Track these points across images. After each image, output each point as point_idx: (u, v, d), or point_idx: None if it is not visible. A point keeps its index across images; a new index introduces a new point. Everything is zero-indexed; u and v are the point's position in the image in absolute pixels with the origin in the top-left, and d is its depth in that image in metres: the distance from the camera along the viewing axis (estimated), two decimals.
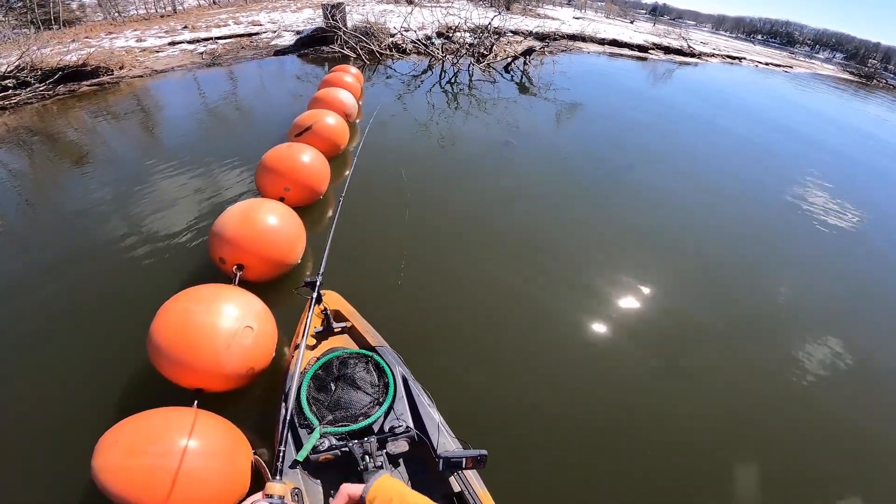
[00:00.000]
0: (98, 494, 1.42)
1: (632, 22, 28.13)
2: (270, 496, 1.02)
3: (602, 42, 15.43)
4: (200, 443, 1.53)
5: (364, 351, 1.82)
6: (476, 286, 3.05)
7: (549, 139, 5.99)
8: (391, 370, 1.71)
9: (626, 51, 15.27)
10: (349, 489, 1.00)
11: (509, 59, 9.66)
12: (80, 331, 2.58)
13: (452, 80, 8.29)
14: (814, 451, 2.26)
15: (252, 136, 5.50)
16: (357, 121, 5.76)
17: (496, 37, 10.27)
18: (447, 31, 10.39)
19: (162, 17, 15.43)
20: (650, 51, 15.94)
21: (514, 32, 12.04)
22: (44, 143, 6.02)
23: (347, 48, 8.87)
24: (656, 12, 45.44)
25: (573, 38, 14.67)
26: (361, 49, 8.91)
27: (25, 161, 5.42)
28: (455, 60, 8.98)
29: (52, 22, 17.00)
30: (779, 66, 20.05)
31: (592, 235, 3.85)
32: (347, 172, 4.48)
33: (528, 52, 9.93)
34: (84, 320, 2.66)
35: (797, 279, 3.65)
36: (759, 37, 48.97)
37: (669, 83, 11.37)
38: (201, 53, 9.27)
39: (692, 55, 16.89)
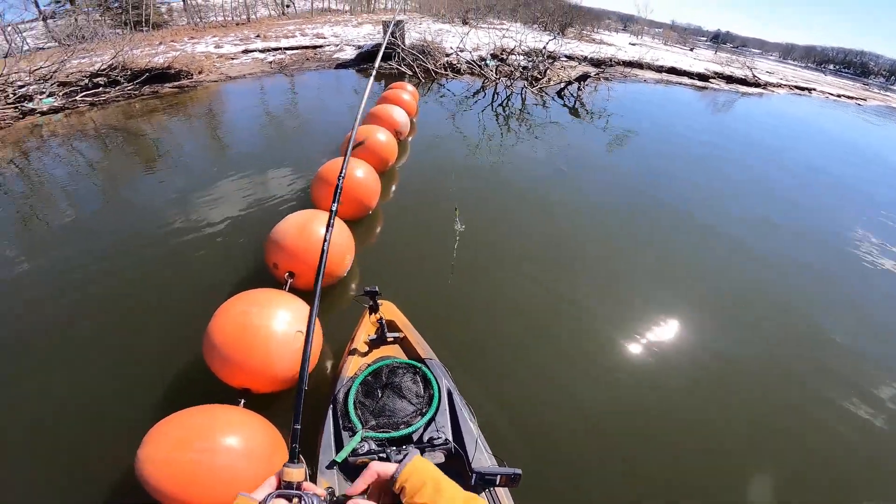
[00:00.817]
0: (130, 483, 1.51)
1: (691, 49, 27.33)
2: (289, 484, 0.86)
3: (659, 69, 15.08)
4: (242, 442, 1.60)
5: (414, 362, 1.84)
6: (520, 304, 3.07)
7: (600, 166, 5.92)
8: (437, 383, 1.74)
9: (684, 79, 14.83)
10: (379, 467, 0.89)
11: (563, 85, 9.64)
12: (133, 323, 2.77)
13: (505, 103, 8.38)
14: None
15: (309, 145, 5.78)
16: (410, 138, 5.93)
17: (550, 61, 10.30)
18: (502, 54, 10.53)
19: (237, 25, 16.65)
20: (711, 79, 15.40)
21: (569, 57, 12.03)
22: (123, 140, 6.60)
23: (404, 65, 9.20)
24: (718, 40, 43.85)
25: (629, 64, 14.44)
26: (418, 67, 9.20)
27: (105, 155, 5.96)
28: (508, 83, 9.08)
29: (143, 24, 18.70)
30: (851, 98, 18.76)
31: (639, 262, 3.78)
32: (394, 188, 4.68)
33: (583, 77, 9.88)
34: (138, 313, 2.85)
35: (848, 321, 3.43)
36: (831, 67, 46.11)
37: (730, 114, 10.92)
38: (270, 62, 9.90)
39: (756, 85, 16.13)
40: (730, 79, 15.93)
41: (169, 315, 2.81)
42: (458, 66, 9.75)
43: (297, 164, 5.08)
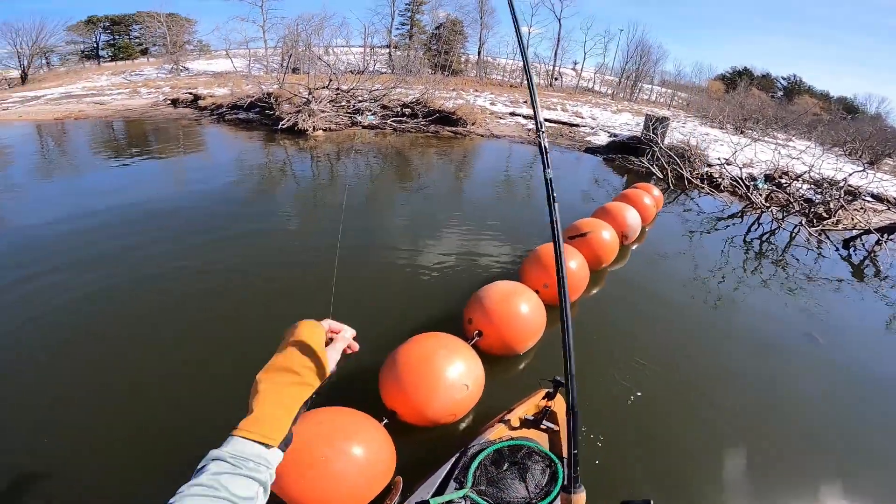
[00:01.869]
0: None
1: None
2: None
3: None
4: (366, 455, 1.85)
5: (552, 455, 1.85)
6: (697, 458, 2.67)
7: (873, 347, 4.43)
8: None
9: None
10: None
11: (856, 232, 7.58)
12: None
13: (764, 237, 7.18)
14: None
15: (529, 219, 6.20)
16: (635, 246, 5.74)
17: (848, 198, 8.27)
18: (781, 177, 9.03)
19: (511, 86, 19.41)
20: None
21: (876, 197, 9.40)
22: (399, 163, 8.51)
23: (657, 166, 8.92)
24: None
25: None
26: (671, 171, 8.76)
27: (382, 171, 7.82)
28: (780, 215, 7.69)
29: (445, 69, 23.75)
30: None
31: None
32: (597, 290, 4.55)
33: (891, 228, 7.54)
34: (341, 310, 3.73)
35: None
36: None
37: None
38: (529, 130, 11.18)
39: None
40: None
41: (363, 319, 3.53)
42: (719, 180, 8.82)
43: (513, 235, 5.55)
